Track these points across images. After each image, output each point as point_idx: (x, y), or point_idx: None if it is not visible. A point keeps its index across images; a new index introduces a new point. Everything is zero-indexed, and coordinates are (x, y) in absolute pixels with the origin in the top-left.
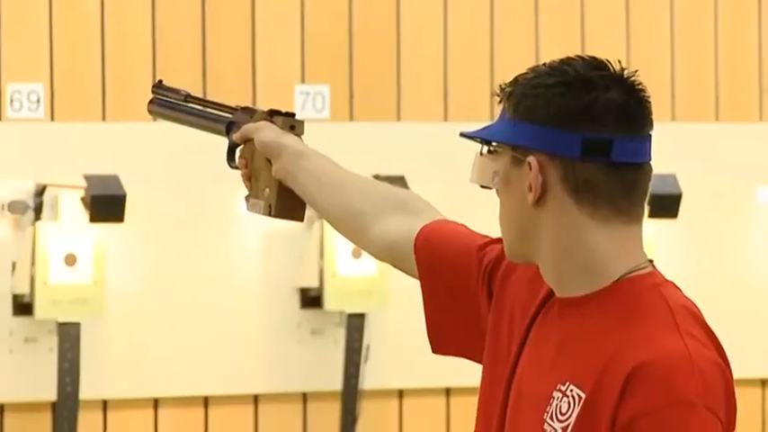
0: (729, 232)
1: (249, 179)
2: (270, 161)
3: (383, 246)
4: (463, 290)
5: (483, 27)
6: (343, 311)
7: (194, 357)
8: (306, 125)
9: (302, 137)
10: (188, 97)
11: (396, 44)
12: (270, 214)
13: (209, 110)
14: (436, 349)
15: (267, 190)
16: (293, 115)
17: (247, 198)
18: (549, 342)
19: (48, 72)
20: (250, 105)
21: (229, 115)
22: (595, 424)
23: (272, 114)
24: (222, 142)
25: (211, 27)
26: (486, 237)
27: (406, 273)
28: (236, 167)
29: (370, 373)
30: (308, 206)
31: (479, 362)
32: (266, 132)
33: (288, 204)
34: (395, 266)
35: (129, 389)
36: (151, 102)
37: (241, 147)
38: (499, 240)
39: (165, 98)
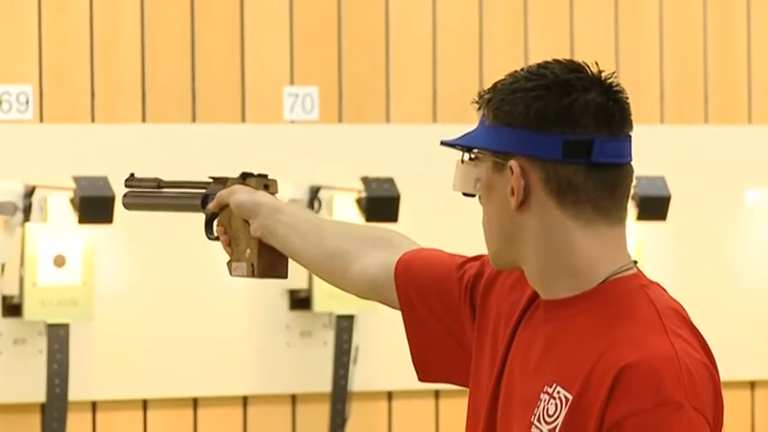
0: (718, 235)
1: (229, 244)
2: (247, 222)
3: (364, 282)
4: (447, 311)
5: (472, 28)
6: (333, 313)
7: (183, 359)
8: (295, 127)
9: (276, 195)
10: (160, 183)
11: (385, 46)
12: (253, 274)
13: (182, 190)
14: (423, 377)
15: (248, 251)
16: (266, 176)
17: (229, 263)
18: (534, 344)
19: (37, 74)
20: (221, 176)
21: (203, 190)
22: (583, 425)
23: (245, 177)
24: (216, 135)
25: (200, 29)
26: (464, 256)
27: (391, 306)
28: (215, 239)
29: (360, 375)
30: (290, 260)
31: (467, 386)
32: (241, 194)
33: (270, 261)
34: (380, 301)
35: (119, 390)
36: (125, 196)
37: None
38: (477, 258)
39: (138, 189)
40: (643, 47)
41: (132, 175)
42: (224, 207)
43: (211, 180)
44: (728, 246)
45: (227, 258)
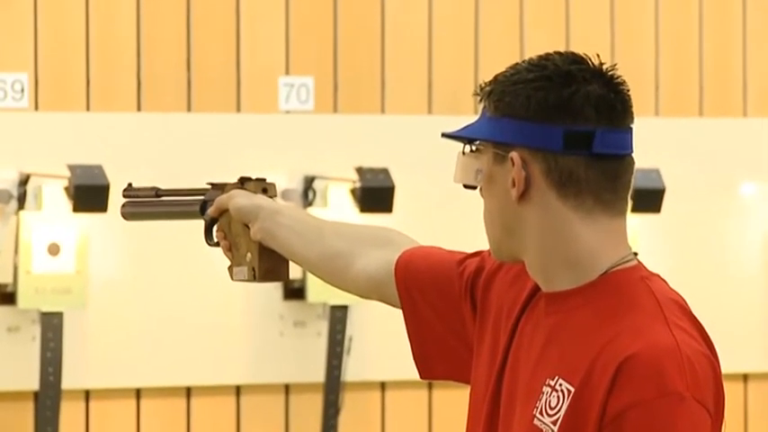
0: (712, 227)
1: (230, 249)
2: (247, 226)
3: (365, 281)
4: (447, 307)
5: (468, 19)
6: (326, 303)
7: (177, 348)
8: (290, 117)
9: (275, 198)
10: (158, 191)
11: (380, 36)
12: (254, 278)
13: (181, 198)
14: (425, 375)
15: (248, 255)
16: (264, 179)
17: (230, 268)
18: (536, 337)
19: (32, 62)
20: (219, 182)
21: (201, 196)
22: (585, 417)
23: (243, 182)
24: (211, 124)
25: (196, 18)
26: (464, 253)
27: (393, 304)
28: (215, 245)
29: (353, 365)
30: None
31: (469, 383)
32: (239, 198)
33: (270, 264)
34: (381, 300)
35: (112, 379)
36: (124, 206)
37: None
38: (477, 254)
39: (136, 199)
40: (638, 39)
41: (130, 184)
42: (223, 212)
43: (209, 186)
44: (723, 238)
45: (227, 260)
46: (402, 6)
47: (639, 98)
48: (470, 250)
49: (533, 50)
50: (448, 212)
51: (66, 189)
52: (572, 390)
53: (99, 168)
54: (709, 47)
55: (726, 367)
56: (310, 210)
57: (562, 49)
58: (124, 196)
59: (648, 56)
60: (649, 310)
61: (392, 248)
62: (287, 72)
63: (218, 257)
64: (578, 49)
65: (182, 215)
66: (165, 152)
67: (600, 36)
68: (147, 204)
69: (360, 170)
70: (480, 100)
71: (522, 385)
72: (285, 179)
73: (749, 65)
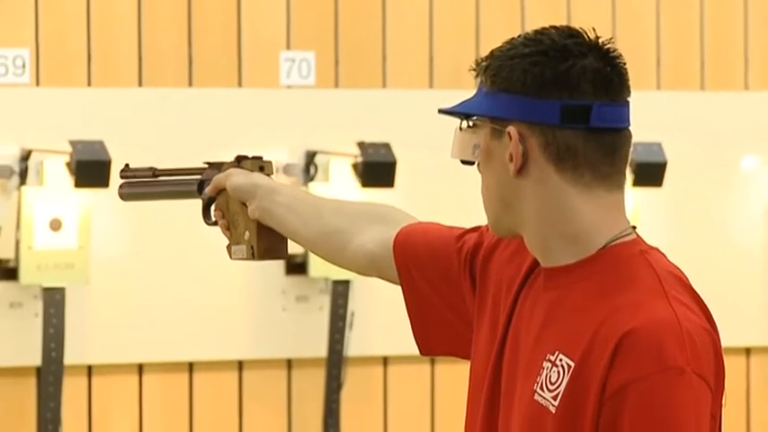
0: (714, 201)
1: (228, 228)
2: (245, 204)
3: (363, 258)
4: (446, 284)
5: None
6: (328, 278)
7: (179, 323)
8: (291, 92)
9: (272, 176)
10: (156, 171)
11: (381, 11)
12: (253, 257)
13: (178, 177)
14: (425, 351)
15: (247, 233)
16: (261, 158)
17: (229, 247)
18: (536, 313)
19: (33, 37)
20: (216, 161)
21: (198, 176)
22: (585, 392)
23: (240, 160)
24: (212, 99)
25: None
26: (462, 228)
27: (392, 281)
28: (214, 223)
29: (355, 340)
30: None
31: (469, 358)
32: (237, 177)
33: (269, 242)
34: (380, 277)
35: (114, 354)
36: (121, 186)
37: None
38: (475, 229)
39: (133, 179)
40: (640, 13)
41: (127, 165)
42: (221, 191)
43: (206, 165)
44: (724, 212)
45: (227, 241)
46: None
47: (641, 72)
48: (472, 225)
49: (534, 24)
50: (449, 187)
51: (68, 164)
52: (572, 365)
53: (100, 144)
54: (710, 20)
55: (728, 341)
56: (312, 185)
57: (563, 24)
58: (121, 177)
59: (650, 29)
60: (649, 284)
61: (390, 225)
62: (288, 47)
63: (220, 234)
64: (579, 23)
65: (179, 195)
66: (166, 127)
67: (601, 9)
68: (145, 185)
69: (361, 145)
70: (477, 75)
71: (522, 361)
72: (286, 154)
73: (751, 38)
